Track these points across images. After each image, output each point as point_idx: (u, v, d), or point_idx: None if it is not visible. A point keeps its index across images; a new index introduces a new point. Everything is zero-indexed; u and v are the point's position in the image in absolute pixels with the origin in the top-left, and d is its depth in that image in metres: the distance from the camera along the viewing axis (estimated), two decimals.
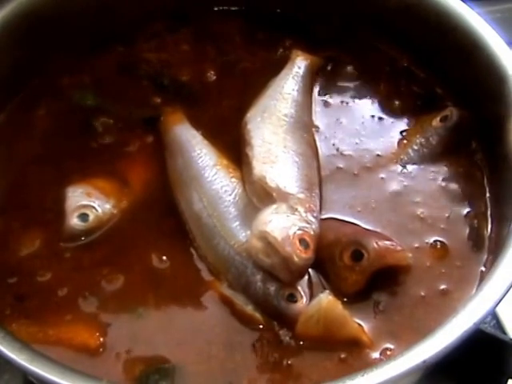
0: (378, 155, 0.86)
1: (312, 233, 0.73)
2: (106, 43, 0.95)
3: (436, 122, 0.86)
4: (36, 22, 0.89)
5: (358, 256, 0.74)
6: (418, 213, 0.81)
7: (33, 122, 0.89)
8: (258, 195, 0.78)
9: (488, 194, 0.83)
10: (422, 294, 0.75)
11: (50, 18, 0.90)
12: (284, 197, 0.76)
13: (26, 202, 0.82)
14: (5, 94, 0.89)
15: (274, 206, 0.74)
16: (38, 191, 0.83)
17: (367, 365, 0.66)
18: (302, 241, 0.71)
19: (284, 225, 0.72)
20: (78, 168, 0.84)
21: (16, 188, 0.83)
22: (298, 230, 0.72)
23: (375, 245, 0.74)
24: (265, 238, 0.71)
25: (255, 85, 0.89)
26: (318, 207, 0.78)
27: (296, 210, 0.75)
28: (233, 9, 1.00)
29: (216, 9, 1.00)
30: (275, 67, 0.93)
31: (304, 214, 0.75)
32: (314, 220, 0.75)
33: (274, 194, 0.76)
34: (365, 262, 0.74)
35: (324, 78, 0.93)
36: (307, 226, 0.73)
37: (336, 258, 0.75)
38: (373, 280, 0.73)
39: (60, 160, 0.85)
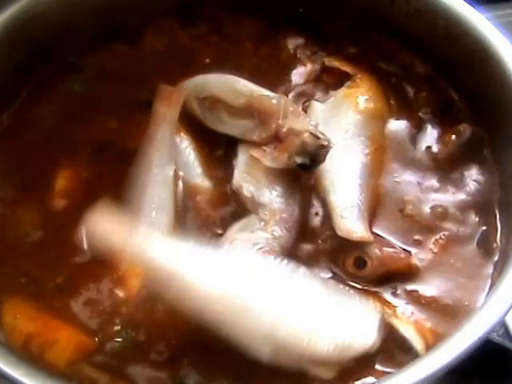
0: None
1: (277, 249, 0.72)
2: (111, 40, 0.94)
3: (448, 137, 0.85)
4: (40, 20, 0.88)
5: (361, 263, 0.73)
6: (427, 218, 0.79)
7: (36, 119, 0.87)
8: (237, 204, 0.77)
9: (498, 201, 0.81)
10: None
11: (53, 17, 0.89)
12: (255, 207, 0.75)
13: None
14: (8, 93, 0.88)
15: (242, 223, 0.74)
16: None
17: None
18: None
19: (245, 244, 0.71)
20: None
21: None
22: (260, 249, 0.71)
23: (378, 252, 0.73)
24: None
25: (262, 85, 0.86)
26: (297, 214, 0.76)
27: (265, 222, 0.73)
28: (243, 7, 0.97)
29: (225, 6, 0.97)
30: (283, 66, 0.92)
31: (273, 228, 0.73)
32: (282, 233, 0.73)
33: (248, 204, 0.76)
34: (368, 269, 0.73)
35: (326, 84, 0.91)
36: (271, 242, 0.72)
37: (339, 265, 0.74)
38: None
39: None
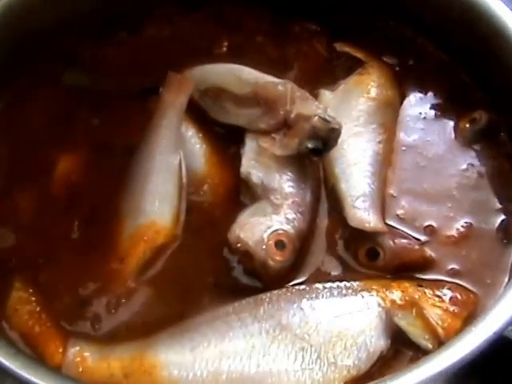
0: None
1: (292, 231, 0.70)
2: (112, 30, 0.91)
3: (463, 124, 0.83)
4: (36, 9, 0.86)
5: (373, 254, 0.71)
6: (444, 207, 0.77)
7: (31, 110, 0.85)
8: (246, 193, 0.75)
9: None
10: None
11: (50, 6, 0.87)
12: (266, 192, 0.73)
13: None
14: (2, 82, 0.85)
15: (253, 207, 0.73)
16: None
17: None
18: (278, 242, 0.69)
19: (258, 228, 0.69)
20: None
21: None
22: (274, 231, 0.69)
23: (392, 243, 0.71)
24: (239, 242, 0.69)
25: (269, 72, 0.82)
26: (310, 199, 0.74)
27: (277, 206, 0.72)
28: None
29: None
30: (291, 52, 0.90)
31: (287, 211, 0.71)
32: (296, 216, 0.72)
33: (258, 190, 0.74)
34: (380, 261, 0.71)
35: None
36: (286, 225, 0.70)
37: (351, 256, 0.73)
38: None
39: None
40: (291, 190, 0.73)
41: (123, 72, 0.87)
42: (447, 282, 0.71)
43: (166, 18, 0.92)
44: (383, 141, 0.79)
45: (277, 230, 0.69)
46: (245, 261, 0.70)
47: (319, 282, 0.70)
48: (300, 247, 0.71)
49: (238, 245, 0.69)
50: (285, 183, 0.73)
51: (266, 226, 0.69)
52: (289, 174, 0.74)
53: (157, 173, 0.76)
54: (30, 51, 0.86)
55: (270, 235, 0.69)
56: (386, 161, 0.79)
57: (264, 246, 0.68)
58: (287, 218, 0.71)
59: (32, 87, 0.87)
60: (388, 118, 0.82)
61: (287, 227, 0.70)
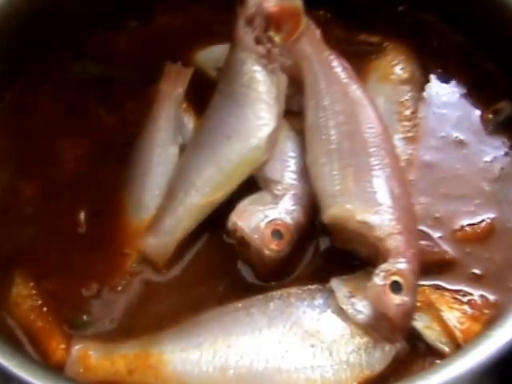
0: None
1: (290, 222, 0.69)
2: (123, 19, 0.90)
3: (486, 115, 0.81)
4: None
5: None
6: (467, 201, 0.74)
7: (39, 101, 0.85)
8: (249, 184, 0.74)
9: None
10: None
11: None
12: (267, 184, 0.72)
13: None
14: (12, 72, 0.85)
15: (253, 197, 0.71)
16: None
17: None
18: (275, 232, 0.68)
19: (256, 216, 0.69)
20: None
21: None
22: (272, 220, 0.68)
23: None
24: (236, 230, 0.68)
25: None
26: (310, 193, 0.72)
27: (278, 196, 0.71)
28: None
29: None
30: None
31: (287, 202, 0.70)
32: (296, 208, 0.70)
33: (260, 182, 0.73)
34: None
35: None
36: (284, 216, 0.69)
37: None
38: None
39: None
40: (293, 182, 0.72)
41: (134, 62, 0.87)
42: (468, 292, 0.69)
43: (179, 7, 0.91)
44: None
45: (275, 219, 0.69)
46: (241, 249, 0.69)
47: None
48: (298, 240, 0.70)
49: (236, 232, 0.68)
50: (287, 175, 0.73)
51: (264, 214, 0.69)
52: (291, 166, 0.73)
53: (156, 165, 0.76)
54: (41, 42, 0.85)
55: (267, 224, 0.68)
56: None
57: (260, 234, 0.67)
58: (286, 209, 0.70)
59: (42, 77, 0.86)
60: (412, 94, 0.82)
61: (286, 218, 0.69)
